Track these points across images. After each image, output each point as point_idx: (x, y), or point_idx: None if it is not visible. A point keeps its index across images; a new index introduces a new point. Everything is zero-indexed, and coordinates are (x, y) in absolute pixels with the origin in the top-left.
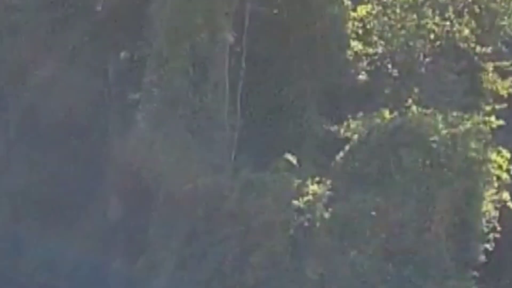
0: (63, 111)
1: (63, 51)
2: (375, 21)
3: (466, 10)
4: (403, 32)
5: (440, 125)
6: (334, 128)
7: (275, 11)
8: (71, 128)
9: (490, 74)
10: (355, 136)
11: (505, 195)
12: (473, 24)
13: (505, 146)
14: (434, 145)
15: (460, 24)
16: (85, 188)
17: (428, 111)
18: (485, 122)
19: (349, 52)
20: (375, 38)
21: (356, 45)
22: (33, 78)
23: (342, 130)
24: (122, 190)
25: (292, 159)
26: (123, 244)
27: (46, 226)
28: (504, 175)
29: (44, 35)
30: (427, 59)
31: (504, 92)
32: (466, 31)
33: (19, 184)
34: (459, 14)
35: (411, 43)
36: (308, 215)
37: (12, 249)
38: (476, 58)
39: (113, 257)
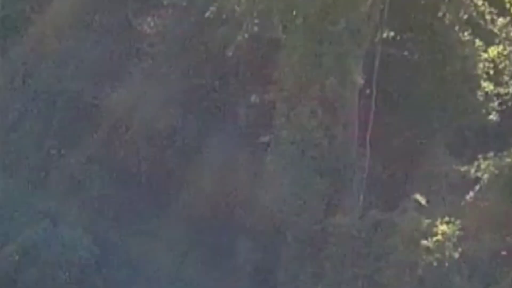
0: (193, 155)
1: (194, 96)
2: (507, 61)
3: None
4: None
5: None
6: (464, 168)
7: (406, 52)
8: (201, 171)
9: None
10: (485, 176)
11: None
12: None
13: None
14: None
15: None
16: (214, 228)
17: None
18: None
19: (479, 93)
20: (506, 78)
21: (487, 85)
22: (165, 125)
23: (472, 170)
24: (251, 230)
25: (421, 199)
26: (252, 285)
27: (172, 266)
28: None
29: (175, 81)
30: None
31: None
32: None
33: (152, 225)
34: None
35: None
36: (437, 255)
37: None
38: None
39: None
